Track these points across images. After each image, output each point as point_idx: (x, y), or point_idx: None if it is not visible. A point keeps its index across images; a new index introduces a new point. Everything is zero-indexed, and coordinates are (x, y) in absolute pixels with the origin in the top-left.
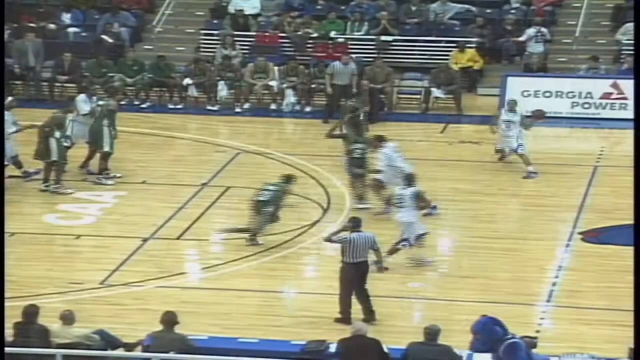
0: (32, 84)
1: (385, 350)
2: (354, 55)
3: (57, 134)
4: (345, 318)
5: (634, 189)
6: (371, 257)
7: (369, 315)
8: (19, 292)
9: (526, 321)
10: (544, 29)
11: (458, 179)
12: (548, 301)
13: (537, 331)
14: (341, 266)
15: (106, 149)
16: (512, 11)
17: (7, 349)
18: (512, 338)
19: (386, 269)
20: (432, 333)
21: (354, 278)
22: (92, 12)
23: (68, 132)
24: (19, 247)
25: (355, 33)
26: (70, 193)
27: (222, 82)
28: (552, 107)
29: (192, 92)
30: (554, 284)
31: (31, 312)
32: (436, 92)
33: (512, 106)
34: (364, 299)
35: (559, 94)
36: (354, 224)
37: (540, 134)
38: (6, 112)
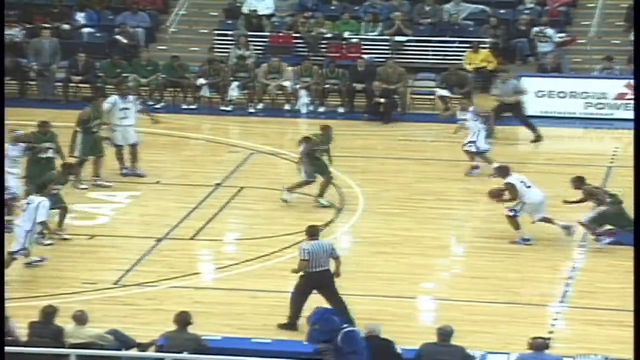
0: (46, 83)
1: (399, 350)
2: (366, 56)
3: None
4: (291, 324)
5: (634, 189)
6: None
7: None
8: (33, 291)
9: (540, 322)
10: (549, 30)
11: (471, 179)
12: (561, 302)
13: (551, 332)
14: (302, 275)
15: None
16: (526, 11)
17: (21, 349)
18: (348, 327)
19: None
20: (445, 333)
21: (310, 289)
22: (107, 13)
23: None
24: (36, 248)
25: (369, 33)
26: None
27: (234, 83)
28: (566, 108)
29: (206, 92)
30: (567, 285)
31: (49, 312)
32: (441, 91)
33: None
34: (340, 303)
35: (573, 94)
36: (312, 233)
37: (555, 134)
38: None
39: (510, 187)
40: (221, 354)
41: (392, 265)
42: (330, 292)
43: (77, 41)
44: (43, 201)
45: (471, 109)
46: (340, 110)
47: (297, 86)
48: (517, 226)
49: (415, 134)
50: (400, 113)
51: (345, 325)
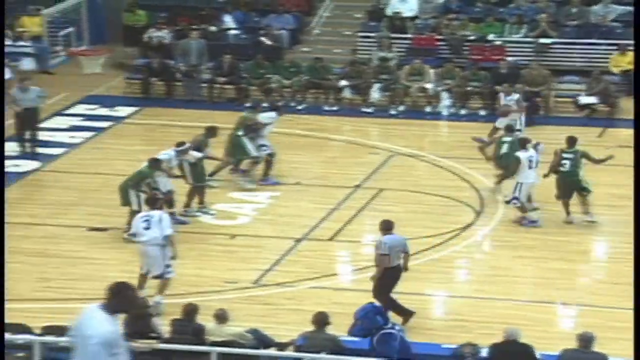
0: (191, 84)
1: (538, 356)
2: (510, 58)
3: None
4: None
5: (634, 189)
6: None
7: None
8: (175, 290)
9: None
10: None
11: (615, 184)
12: None
13: None
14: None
15: (252, 154)
16: None
17: (163, 345)
18: (391, 328)
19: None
20: (585, 340)
21: (394, 282)
22: (252, 15)
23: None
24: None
25: (513, 35)
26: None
27: (376, 85)
28: None
29: (347, 94)
30: None
31: (190, 310)
32: (583, 99)
33: None
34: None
35: None
36: (387, 227)
37: None
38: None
39: (516, 161)
40: (359, 354)
41: (533, 270)
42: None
43: (223, 43)
44: (163, 214)
45: None
46: (482, 112)
47: (439, 88)
48: (524, 210)
49: (559, 138)
50: (543, 116)
51: (387, 327)
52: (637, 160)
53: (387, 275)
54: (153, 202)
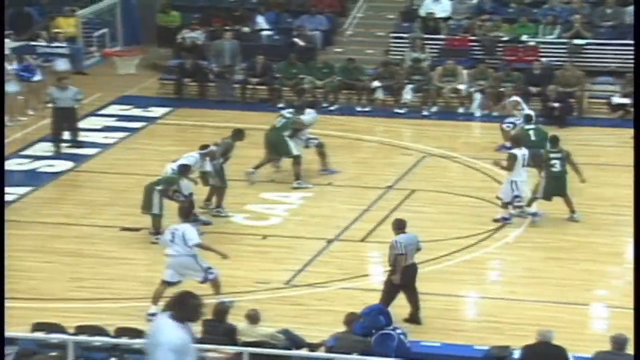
0: (224, 85)
1: (571, 358)
2: (544, 59)
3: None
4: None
5: (634, 189)
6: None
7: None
8: (206, 290)
9: None
10: None
11: None
12: None
13: None
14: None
15: (294, 153)
16: None
17: (196, 345)
18: (392, 330)
19: None
20: (619, 342)
21: (405, 283)
22: (286, 15)
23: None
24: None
25: (547, 36)
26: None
27: (408, 86)
28: None
29: (380, 94)
30: None
31: (221, 311)
32: (617, 100)
33: None
34: (416, 297)
35: None
36: (400, 226)
37: None
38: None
39: (510, 158)
40: (390, 356)
41: (565, 272)
42: (413, 287)
43: (256, 43)
44: (188, 226)
45: None
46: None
47: (472, 89)
48: (506, 206)
49: (591, 139)
50: (577, 117)
51: (388, 327)
52: (637, 160)
53: (405, 274)
54: (186, 214)
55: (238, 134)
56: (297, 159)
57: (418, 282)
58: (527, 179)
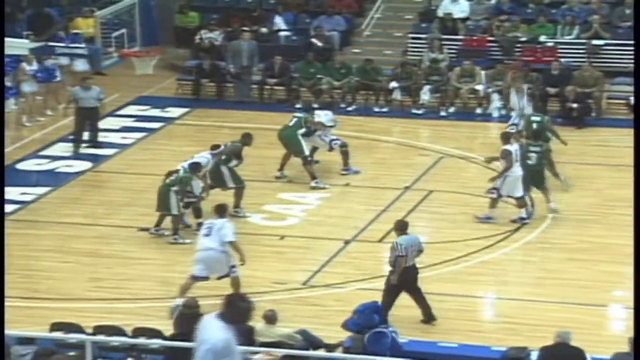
0: (242, 85)
1: (589, 359)
2: (563, 60)
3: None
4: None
5: (634, 189)
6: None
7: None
8: (225, 290)
9: None
10: None
11: None
12: None
13: None
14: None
15: (306, 153)
16: None
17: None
18: (384, 328)
19: None
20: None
21: (405, 285)
22: (304, 16)
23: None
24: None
25: (565, 37)
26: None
27: (426, 87)
28: None
29: (398, 95)
30: None
31: None
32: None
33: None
34: (423, 298)
35: None
36: (402, 227)
37: None
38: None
39: (507, 154)
40: (408, 357)
41: (584, 273)
42: (416, 288)
43: (273, 44)
44: (225, 222)
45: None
46: None
47: (490, 90)
48: (494, 205)
49: (610, 140)
50: (595, 118)
51: (382, 326)
52: (637, 160)
53: (404, 275)
54: (222, 211)
55: (247, 138)
56: (305, 159)
57: (437, 283)
58: (521, 174)
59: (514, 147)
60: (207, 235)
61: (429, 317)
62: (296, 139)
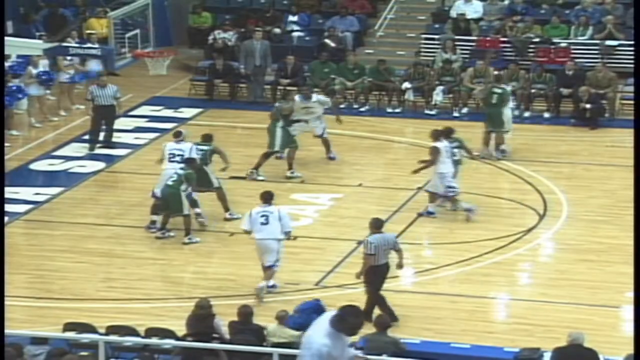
0: (255, 86)
1: None
2: (576, 61)
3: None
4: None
5: (634, 189)
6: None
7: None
8: (237, 290)
9: None
10: None
11: None
12: None
13: None
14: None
15: (275, 148)
16: None
17: (225, 346)
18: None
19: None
20: None
21: (382, 280)
22: (317, 17)
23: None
24: (239, 247)
25: (579, 37)
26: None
27: (439, 87)
28: None
29: (410, 96)
30: None
31: (246, 313)
32: None
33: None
34: (382, 299)
35: None
36: (377, 226)
37: None
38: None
39: (434, 151)
40: (420, 357)
41: (597, 274)
42: (379, 287)
43: (287, 45)
44: (282, 210)
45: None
46: (546, 115)
47: None
48: (433, 200)
49: (623, 140)
50: (609, 119)
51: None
52: (637, 160)
53: (373, 273)
54: (269, 198)
55: (205, 138)
56: (272, 154)
57: (449, 283)
58: (451, 171)
59: (443, 144)
60: (264, 223)
61: (366, 316)
62: (273, 132)
